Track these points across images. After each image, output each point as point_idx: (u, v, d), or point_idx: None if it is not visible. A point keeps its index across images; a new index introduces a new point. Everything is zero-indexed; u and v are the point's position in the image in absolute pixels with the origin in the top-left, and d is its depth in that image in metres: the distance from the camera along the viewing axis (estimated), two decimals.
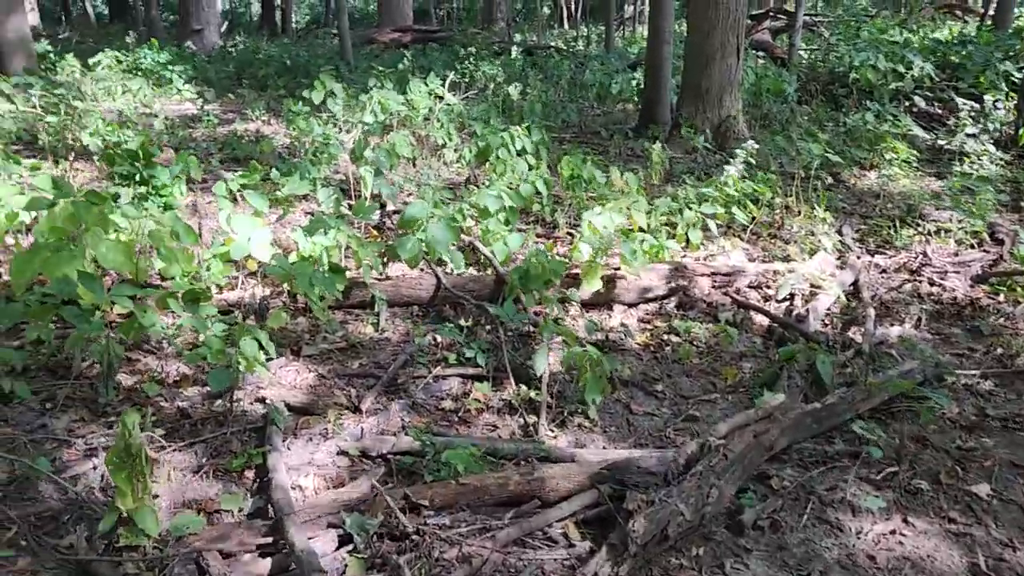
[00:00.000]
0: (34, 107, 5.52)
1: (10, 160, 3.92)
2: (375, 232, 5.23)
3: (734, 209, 5.22)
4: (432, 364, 3.58)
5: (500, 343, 3.60)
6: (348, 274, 3.93)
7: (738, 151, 5.51)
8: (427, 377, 3.46)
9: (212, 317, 3.29)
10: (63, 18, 32.60)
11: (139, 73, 9.79)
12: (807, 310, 4.19)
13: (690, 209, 5.25)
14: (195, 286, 3.52)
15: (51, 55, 10.52)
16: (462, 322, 3.92)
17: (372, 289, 4.03)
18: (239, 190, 4.29)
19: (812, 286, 4.51)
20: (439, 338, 3.70)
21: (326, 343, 3.80)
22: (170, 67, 10.28)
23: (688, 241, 5.13)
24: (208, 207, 5.29)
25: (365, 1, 38.93)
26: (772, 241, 5.43)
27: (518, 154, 6.37)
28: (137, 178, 3.95)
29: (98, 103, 5.81)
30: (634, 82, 10.81)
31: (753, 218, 5.39)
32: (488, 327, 3.93)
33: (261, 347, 3.18)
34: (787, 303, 4.42)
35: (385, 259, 4.40)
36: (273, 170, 5.56)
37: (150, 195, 3.99)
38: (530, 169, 6.29)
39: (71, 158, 5.26)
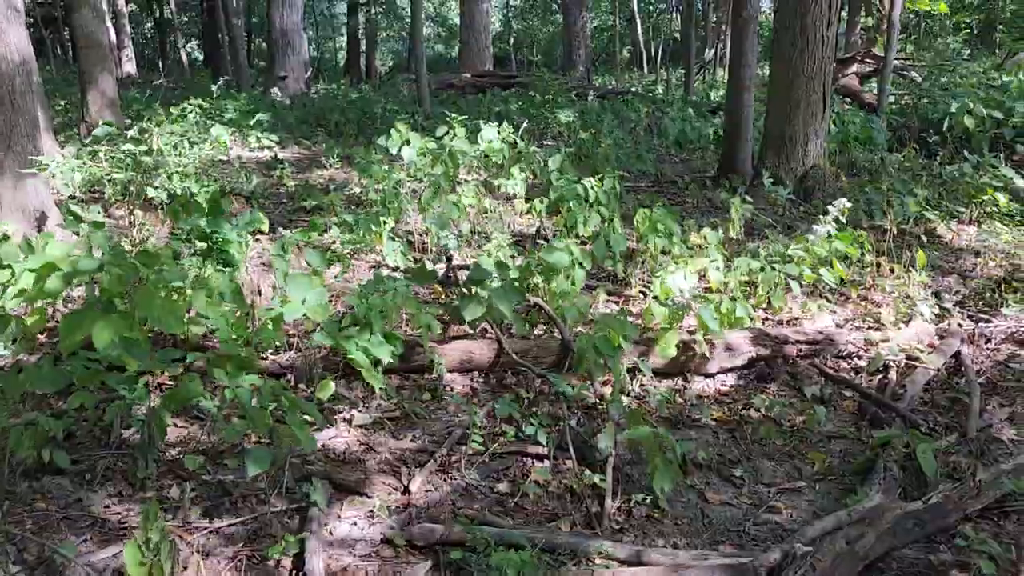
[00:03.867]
0: (102, 162, 5.57)
1: (71, 218, 3.89)
2: (439, 288, 5.04)
3: (822, 270, 4.85)
4: (489, 439, 3.33)
5: (563, 418, 3.33)
6: (406, 332, 3.75)
7: (829, 208, 5.14)
8: (483, 455, 3.22)
9: (258, 389, 3.13)
10: (160, 63, 34.14)
11: (221, 121, 9.96)
12: (903, 386, 3.81)
13: (773, 269, 4.92)
14: (243, 352, 3.37)
15: (138, 103, 10.84)
16: (523, 392, 3.67)
17: (430, 353, 3.83)
18: (298, 246, 4.17)
19: (908, 358, 4.11)
20: (498, 410, 3.45)
21: (379, 411, 3.59)
22: (251, 114, 10.46)
23: (770, 303, 4.80)
24: (272, 259, 5.21)
25: (447, 46, 39.68)
26: (862, 304, 5.03)
27: (591, 205, 6.15)
28: (201, 234, 3.85)
29: (171, 155, 5.82)
30: (713, 128, 10.51)
31: (842, 279, 5.00)
32: (551, 397, 3.68)
33: (308, 420, 3.00)
34: (880, 376, 4.03)
35: (446, 320, 4.21)
36: (335, 227, 5.46)
37: (213, 251, 3.89)
38: (603, 221, 6.07)
39: (135, 213, 5.27)
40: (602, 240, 5.29)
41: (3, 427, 2.93)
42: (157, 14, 34.90)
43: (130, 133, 5.84)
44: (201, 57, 32.74)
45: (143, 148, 5.56)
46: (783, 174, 7.41)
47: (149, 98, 11.73)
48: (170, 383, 3.60)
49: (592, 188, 6.11)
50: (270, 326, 3.80)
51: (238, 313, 3.75)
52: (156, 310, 3.28)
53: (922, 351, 4.11)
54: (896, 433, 3.29)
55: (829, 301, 5.04)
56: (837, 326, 4.71)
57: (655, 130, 10.98)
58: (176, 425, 3.35)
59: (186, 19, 35.45)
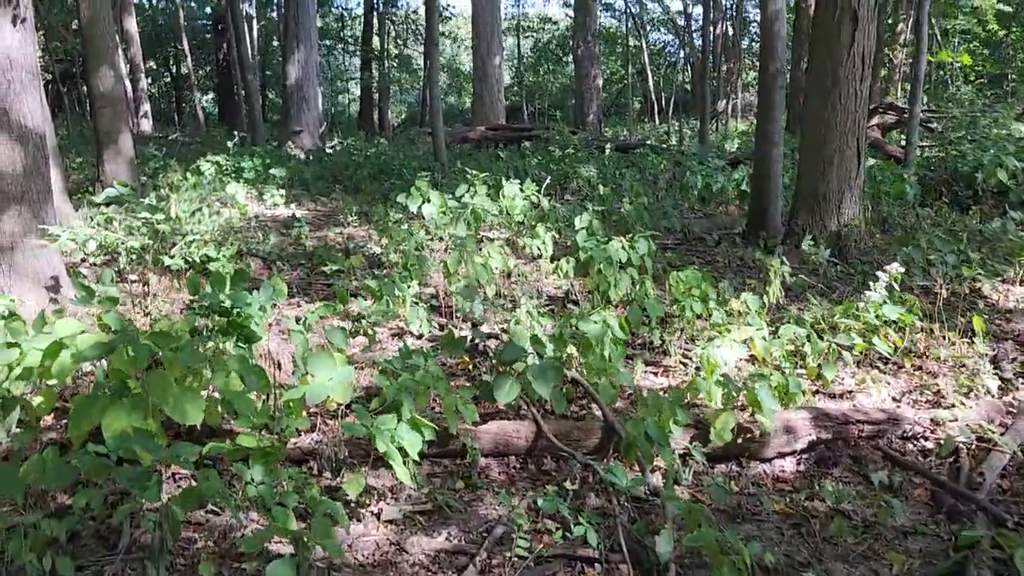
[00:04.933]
0: (116, 229, 5.37)
1: (83, 293, 3.66)
2: (467, 359, 4.78)
3: (874, 339, 4.57)
4: (533, 538, 3.03)
5: (613, 513, 3.04)
6: (436, 410, 3.48)
7: (879, 273, 4.87)
8: (527, 559, 2.91)
9: (281, 484, 2.86)
10: (176, 118, 34.47)
11: (237, 178, 9.83)
12: (980, 473, 3.50)
13: (821, 338, 4.64)
14: (266, 441, 3.10)
15: (154, 159, 10.74)
16: (568, 484, 3.37)
17: (463, 438, 3.55)
18: (319, 320, 3.92)
19: (979, 439, 3.80)
20: (542, 506, 3.15)
21: (410, 503, 3.30)
22: (267, 171, 10.34)
23: (820, 375, 4.51)
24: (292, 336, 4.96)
25: (459, 97, 40.01)
26: (917, 374, 4.73)
27: (621, 267, 5.91)
28: (221, 308, 3.61)
29: (188, 223, 5.62)
30: (735, 182, 10.31)
31: (896, 348, 4.71)
32: (597, 487, 3.38)
33: (334, 520, 2.73)
34: (952, 460, 3.72)
35: (477, 398, 3.93)
36: (358, 297, 5.22)
37: (232, 326, 3.64)
38: (634, 284, 5.82)
39: (149, 282, 5.05)
40: (636, 306, 5.04)
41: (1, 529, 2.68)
42: (174, 70, 35.36)
43: (146, 200, 5.65)
44: (216, 111, 33.03)
45: (160, 216, 5.36)
46: (817, 231, 7.16)
47: (165, 154, 11.62)
48: (184, 471, 3.33)
49: (624, 249, 5.87)
50: (291, 409, 3.54)
51: (260, 397, 3.49)
52: (172, 397, 3.03)
53: (994, 431, 3.81)
54: (982, 532, 2.97)
55: (882, 372, 4.74)
56: (894, 399, 4.41)
57: (676, 185, 10.78)
58: (190, 522, 3.07)
59: (202, 74, 35.90)
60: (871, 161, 10.50)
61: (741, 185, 10.03)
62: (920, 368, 4.79)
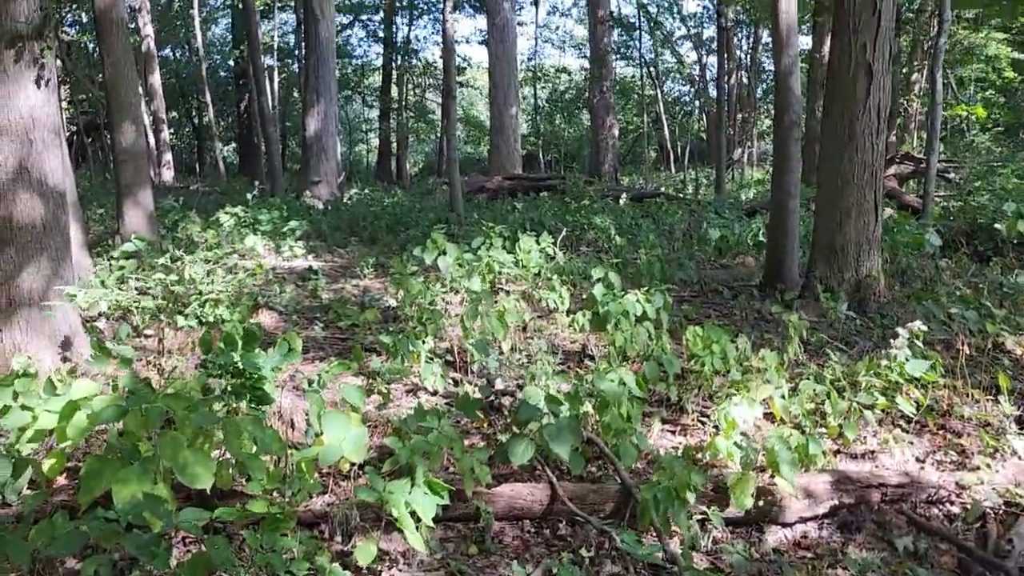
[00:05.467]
0: (131, 289, 5.41)
1: (98, 353, 3.67)
2: (482, 417, 4.73)
3: (897, 398, 4.49)
4: None
5: None
6: (450, 470, 3.43)
7: (900, 330, 4.80)
8: None
9: (292, 551, 2.81)
10: (197, 168, 35.00)
11: (255, 230, 9.92)
12: (1009, 540, 3.39)
13: (842, 396, 4.56)
14: (276, 506, 3.06)
15: (174, 212, 10.86)
16: (584, 551, 3.29)
17: (476, 501, 3.49)
18: (334, 378, 3.90)
19: (1007, 504, 3.70)
20: (556, 573, 3.08)
21: (422, 569, 3.24)
22: (285, 222, 10.43)
23: (841, 434, 4.42)
24: (304, 385, 4.94)
25: (476, 147, 40.41)
26: (941, 434, 4.63)
27: (638, 321, 5.86)
28: (234, 369, 3.60)
29: (203, 283, 5.66)
30: (751, 233, 10.28)
31: (918, 406, 4.63)
32: (613, 554, 3.30)
33: None
34: (978, 526, 3.61)
35: (492, 457, 3.88)
36: (373, 353, 5.21)
37: (245, 387, 3.62)
38: (651, 338, 5.77)
39: (164, 342, 5.07)
40: (654, 362, 4.98)
41: None
42: (196, 120, 35.99)
43: (161, 261, 5.70)
44: (237, 161, 33.49)
45: (174, 277, 5.41)
46: (835, 284, 7.10)
47: (185, 205, 11.77)
48: (192, 536, 3.29)
49: (639, 303, 5.83)
50: (303, 471, 3.50)
51: (272, 458, 3.46)
52: (183, 460, 3.00)
53: (1022, 496, 3.70)
54: None
55: (905, 431, 4.64)
56: (917, 460, 4.32)
57: (693, 235, 10.77)
58: None
59: (224, 124, 36.50)
60: (888, 212, 10.46)
61: (758, 236, 10.00)
62: (944, 427, 4.70)
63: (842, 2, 6.82)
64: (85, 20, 22.91)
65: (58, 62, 6.10)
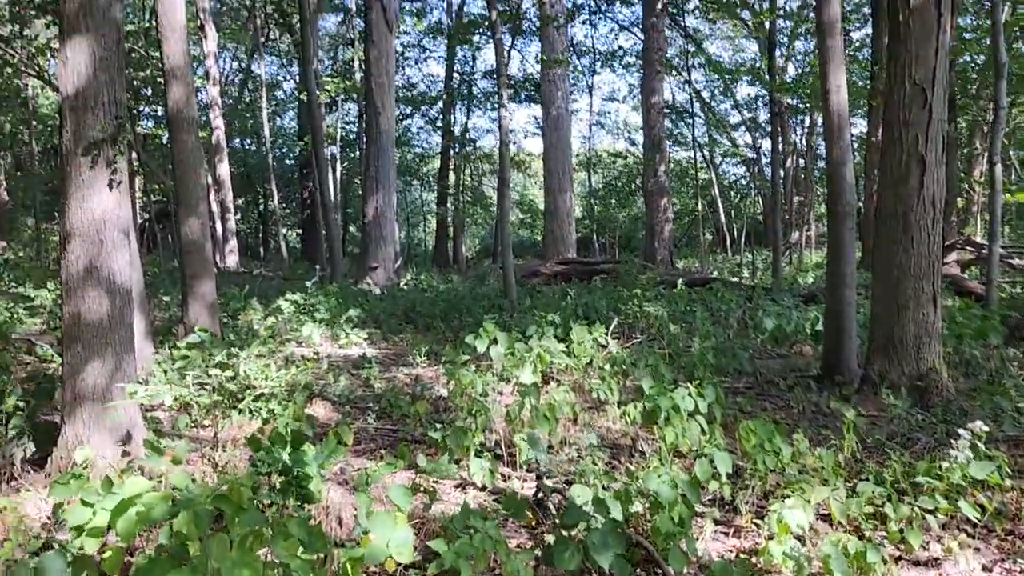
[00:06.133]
0: (188, 385, 5.58)
1: (152, 453, 3.77)
2: (530, 516, 4.68)
3: (960, 502, 4.32)
4: None
5: None
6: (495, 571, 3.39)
7: (961, 432, 4.65)
8: None
9: None
10: (261, 252, 36.09)
11: (313, 318, 10.15)
12: None
13: (902, 498, 4.41)
14: None
15: (236, 300, 11.19)
16: None
17: None
18: (382, 477, 3.93)
19: None
20: None
21: None
22: (341, 308, 10.66)
23: (903, 539, 4.25)
24: (354, 477, 4.97)
25: (531, 231, 40.90)
26: (1009, 539, 4.43)
27: (689, 415, 5.79)
28: (282, 467, 3.66)
29: (257, 379, 5.82)
30: (809, 322, 10.13)
31: (984, 511, 4.44)
32: None
33: None
34: None
35: (539, 563, 3.82)
36: (422, 446, 5.23)
37: (292, 485, 3.68)
38: (703, 433, 5.68)
39: (218, 435, 5.19)
40: (706, 460, 4.90)
41: None
42: (262, 207, 37.31)
43: (217, 358, 5.88)
44: (299, 245, 34.46)
45: (229, 374, 5.57)
46: (894, 377, 6.93)
47: (247, 293, 12.12)
48: None
49: (690, 397, 5.77)
50: (349, 568, 3.50)
51: (318, 557, 3.47)
52: (230, 563, 3.04)
53: None
54: None
55: (970, 535, 4.45)
56: (984, 569, 4.12)
57: (748, 322, 10.66)
58: None
59: (288, 210, 37.74)
60: (950, 300, 10.24)
61: (816, 325, 9.85)
62: (1012, 533, 4.49)
63: (891, 94, 6.85)
64: (160, 113, 24.15)
65: (133, 154, 6.43)
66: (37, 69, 20.99)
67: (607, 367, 7.54)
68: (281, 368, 6.56)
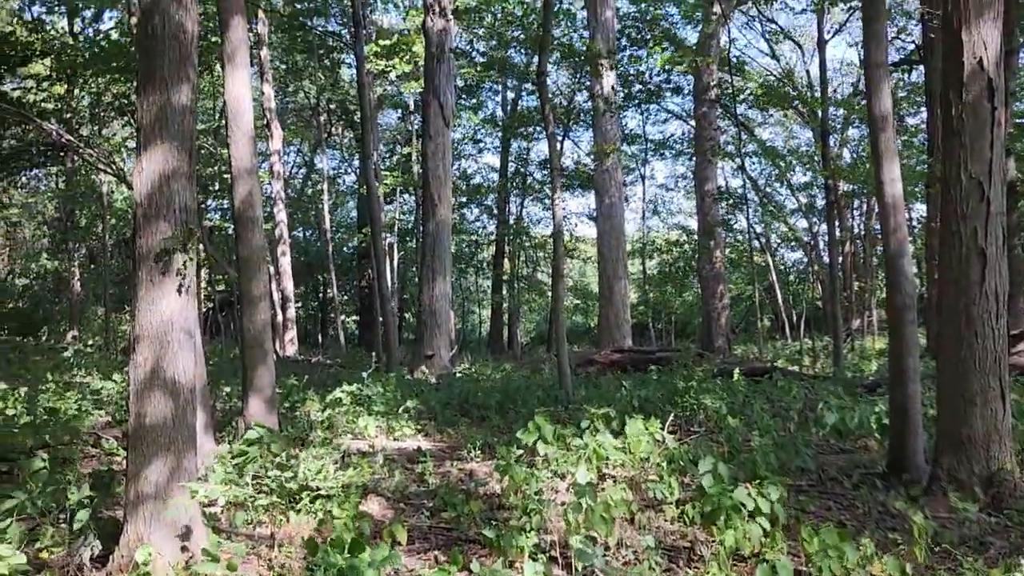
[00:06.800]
0: (247, 485, 5.67)
1: (209, 559, 3.83)
2: None
3: None
4: None
5: None
6: None
7: None
8: None
9: None
10: (320, 339, 36.71)
11: (369, 410, 10.25)
12: None
13: None
14: None
15: (295, 391, 11.38)
16: None
17: None
18: None
19: None
20: None
21: None
22: (396, 399, 10.74)
23: None
24: None
25: (586, 317, 40.89)
26: None
27: (750, 515, 5.65)
28: (337, 571, 3.68)
29: (315, 479, 5.90)
30: (873, 416, 9.84)
31: None
32: None
33: None
34: None
35: None
36: (475, 545, 5.19)
37: None
38: (764, 535, 5.53)
39: (276, 536, 5.23)
40: (767, 567, 4.76)
41: None
42: (321, 295, 38.13)
43: (276, 459, 5.98)
44: (357, 331, 34.96)
45: (288, 474, 5.65)
46: (964, 477, 6.66)
47: (305, 384, 12.32)
48: None
49: (751, 497, 5.64)
50: None
51: None
52: None
53: None
54: None
55: None
56: None
57: (809, 415, 10.41)
58: None
59: (345, 296, 38.49)
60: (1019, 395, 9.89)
61: (881, 419, 9.57)
62: None
63: (948, 189, 6.81)
64: (226, 206, 25.13)
65: (200, 247, 6.70)
66: (113, 167, 22.16)
67: (664, 464, 7.43)
68: (337, 466, 6.61)
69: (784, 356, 22.72)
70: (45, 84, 21.50)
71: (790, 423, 10.21)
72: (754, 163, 30.51)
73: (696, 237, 27.22)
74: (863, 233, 28.80)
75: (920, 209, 25.09)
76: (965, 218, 6.69)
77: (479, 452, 8.88)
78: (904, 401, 7.62)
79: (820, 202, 29.08)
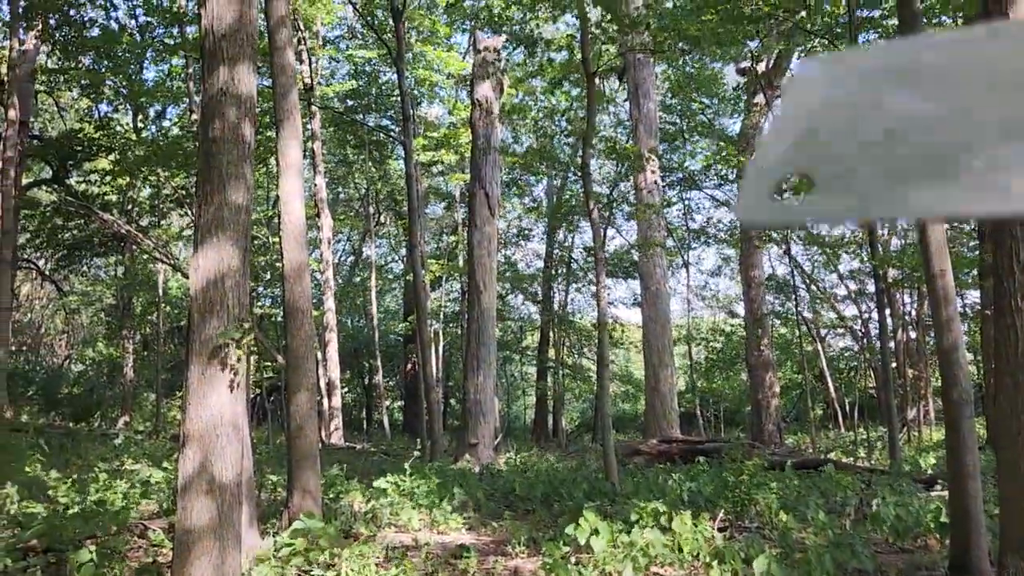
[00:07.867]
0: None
1: None
2: None
3: None
4: None
5: None
6: None
7: None
8: None
9: None
10: (364, 425, 36.72)
11: (413, 501, 10.17)
12: None
13: None
14: None
15: (339, 482, 11.36)
16: None
17: None
18: None
19: None
20: None
21: None
22: (440, 491, 10.65)
23: None
24: None
25: (632, 403, 40.36)
26: None
27: None
28: None
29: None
30: (932, 513, 9.47)
31: None
32: None
33: None
34: None
35: None
36: None
37: None
38: None
39: None
40: None
41: None
42: (366, 380, 38.31)
43: (321, 558, 5.95)
44: (402, 417, 34.95)
45: (332, 574, 5.61)
46: None
47: (349, 473, 12.29)
48: None
49: None
50: None
51: None
52: None
53: None
54: None
55: None
56: None
57: (866, 511, 10.05)
58: None
59: (391, 382, 38.62)
60: None
61: (940, 516, 9.20)
62: None
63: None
64: (278, 292, 25.65)
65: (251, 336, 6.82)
66: (169, 256, 22.86)
67: (715, 563, 7.21)
68: (379, 562, 6.54)
69: (838, 447, 22.11)
70: (108, 178, 22.46)
71: (846, 519, 9.86)
72: (800, 252, 30.32)
73: (743, 323, 26.95)
74: (916, 320, 28.20)
75: (973, 296, 24.58)
76: (1019, 312, 6.55)
77: (524, 548, 8.71)
78: (965, 499, 7.33)
79: (870, 287, 28.68)
